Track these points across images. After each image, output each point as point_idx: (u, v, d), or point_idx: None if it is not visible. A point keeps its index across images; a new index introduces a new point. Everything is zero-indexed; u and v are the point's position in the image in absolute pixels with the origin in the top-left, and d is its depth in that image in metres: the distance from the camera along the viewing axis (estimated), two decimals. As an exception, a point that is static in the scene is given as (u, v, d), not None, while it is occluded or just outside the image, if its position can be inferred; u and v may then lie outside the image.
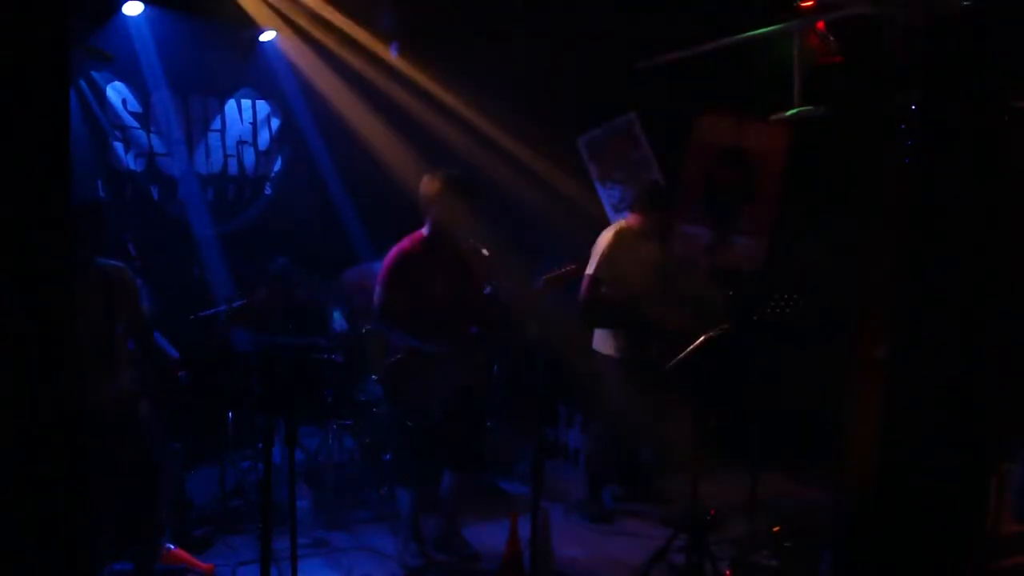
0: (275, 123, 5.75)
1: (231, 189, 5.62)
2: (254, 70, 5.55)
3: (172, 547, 3.94)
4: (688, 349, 3.80)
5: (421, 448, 4.00)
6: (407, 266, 3.91)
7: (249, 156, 5.67)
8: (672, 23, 5.40)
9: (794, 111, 4.76)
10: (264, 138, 5.72)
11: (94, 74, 4.89)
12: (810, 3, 4.66)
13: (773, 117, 5.01)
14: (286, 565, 3.19)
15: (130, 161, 5.11)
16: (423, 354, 3.92)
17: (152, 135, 5.20)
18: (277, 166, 5.79)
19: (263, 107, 5.69)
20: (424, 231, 4.00)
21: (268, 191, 5.76)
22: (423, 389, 3.91)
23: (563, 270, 3.97)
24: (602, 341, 4.84)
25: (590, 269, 4.68)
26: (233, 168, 5.60)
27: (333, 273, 5.20)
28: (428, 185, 3.93)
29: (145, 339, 3.47)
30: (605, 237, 4.77)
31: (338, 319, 5.15)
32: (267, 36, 5.32)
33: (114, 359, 3.28)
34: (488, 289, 4.03)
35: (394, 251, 3.96)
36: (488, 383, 5.07)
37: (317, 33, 5.28)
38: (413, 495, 4.13)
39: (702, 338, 3.78)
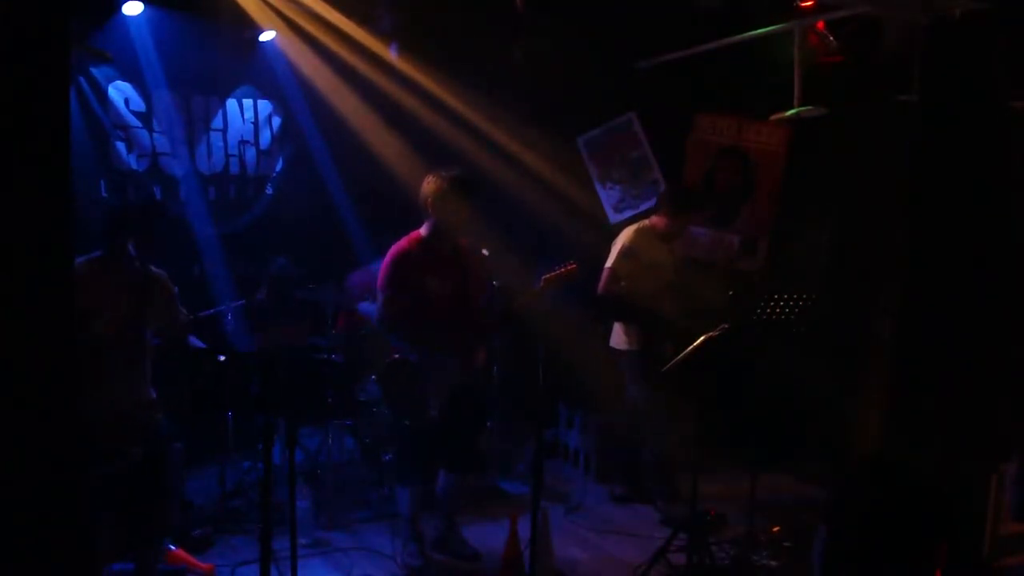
0: (276, 122, 5.74)
1: (232, 189, 5.62)
2: (254, 70, 5.55)
3: (172, 547, 3.94)
4: (688, 349, 3.80)
5: (420, 447, 4.00)
6: (405, 266, 3.90)
7: (250, 155, 5.67)
8: (672, 23, 5.40)
9: (794, 111, 4.76)
10: (265, 137, 5.71)
11: (95, 73, 4.89)
12: (810, 3, 4.67)
13: (773, 117, 5.01)
14: (286, 565, 3.19)
15: (132, 161, 5.11)
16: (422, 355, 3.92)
17: (155, 134, 5.20)
18: (279, 166, 5.79)
19: (264, 106, 5.68)
20: (422, 231, 3.99)
21: (269, 191, 5.76)
22: (421, 389, 3.90)
23: (562, 270, 3.98)
24: (618, 337, 4.93)
25: (609, 262, 4.80)
26: (235, 168, 5.60)
27: (333, 273, 5.20)
28: (431, 185, 3.92)
29: (180, 344, 3.49)
30: (626, 233, 4.87)
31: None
32: (267, 36, 5.32)
33: (141, 364, 3.29)
34: (489, 288, 4.04)
35: (391, 252, 3.95)
36: (488, 383, 5.08)
37: (317, 33, 5.27)
38: (413, 494, 4.13)
39: (702, 338, 3.78)
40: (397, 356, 3.99)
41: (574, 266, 4.01)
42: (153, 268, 3.36)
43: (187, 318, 3.48)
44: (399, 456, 4.35)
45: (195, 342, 3.54)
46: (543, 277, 3.97)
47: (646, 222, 4.92)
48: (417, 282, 3.90)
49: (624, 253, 4.78)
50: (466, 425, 4.10)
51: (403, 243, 3.96)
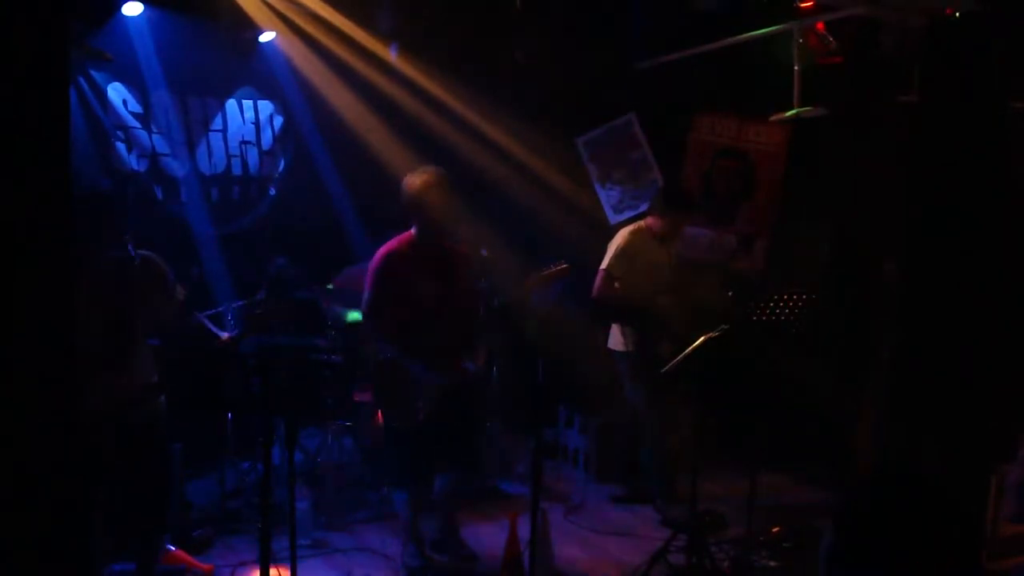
0: (278, 122, 5.74)
1: (236, 189, 5.61)
2: (254, 71, 5.54)
3: (172, 547, 3.94)
4: (688, 350, 3.80)
5: (410, 449, 3.99)
6: (394, 266, 3.92)
7: (253, 156, 5.66)
8: (672, 23, 5.40)
9: (794, 111, 4.77)
10: (267, 138, 5.71)
11: (94, 74, 4.88)
12: (810, 3, 4.67)
13: (773, 117, 5.02)
14: (285, 566, 3.19)
15: (132, 161, 5.10)
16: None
17: (154, 135, 5.19)
18: (281, 166, 5.78)
19: (265, 107, 5.68)
20: (412, 231, 4.01)
21: (273, 191, 5.75)
22: (409, 391, 3.90)
23: (554, 269, 3.99)
24: (616, 339, 4.92)
25: (604, 264, 4.80)
26: (237, 168, 5.59)
27: (333, 274, 5.20)
28: (410, 184, 3.93)
29: (182, 322, 3.45)
30: (622, 235, 4.87)
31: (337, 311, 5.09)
32: (267, 37, 5.32)
33: (131, 353, 3.27)
34: (483, 284, 4.04)
35: (381, 251, 3.97)
36: (488, 383, 5.07)
37: (317, 34, 5.27)
38: (409, 497, 4.12)
39: (702, 338, 3.78)
40: (386, 356, 3.99)
41: (567, 267, 4.02)
42: (128, 251, 3.23)
43: (184, 295, 3.43)
44: (389, 459, 4.34)
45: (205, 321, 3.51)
46: (533, 275, 3.99)
47: (641, 223, 4.92)
48: (405, 281, 3.91)
49: (619, 255, 4.77)
50: (457, 425, 4.08)
51: (392, 243, 3.99)
